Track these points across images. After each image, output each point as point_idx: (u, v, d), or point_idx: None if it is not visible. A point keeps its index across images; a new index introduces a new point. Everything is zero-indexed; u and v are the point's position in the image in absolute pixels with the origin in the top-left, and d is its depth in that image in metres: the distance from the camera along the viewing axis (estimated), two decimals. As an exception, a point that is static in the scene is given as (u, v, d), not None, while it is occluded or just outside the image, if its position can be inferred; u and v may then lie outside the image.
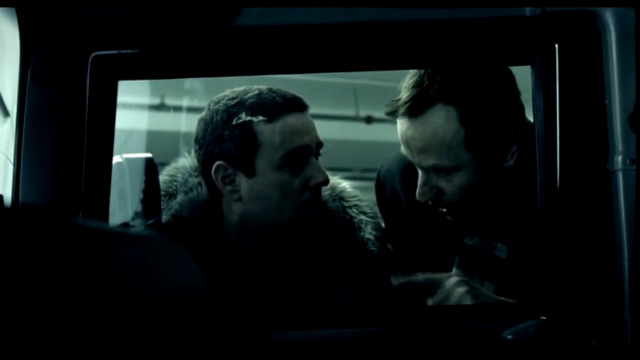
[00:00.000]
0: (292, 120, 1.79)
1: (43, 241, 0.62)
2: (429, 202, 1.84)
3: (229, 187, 1.82)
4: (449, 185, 1.79)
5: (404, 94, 1.78)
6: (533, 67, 1.52)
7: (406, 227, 1.93)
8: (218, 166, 1.81)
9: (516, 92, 1.81)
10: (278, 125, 1.78)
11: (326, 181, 1.82)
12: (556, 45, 1.49)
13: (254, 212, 1.82)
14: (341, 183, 1.98)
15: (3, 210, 0.64)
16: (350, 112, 4.57)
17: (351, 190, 1.97)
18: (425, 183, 1.81)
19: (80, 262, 0.65)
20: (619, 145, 1.43)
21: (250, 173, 1.80)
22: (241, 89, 1.83)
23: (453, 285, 1.71)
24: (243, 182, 1.81)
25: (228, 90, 1.84)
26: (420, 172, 1.81)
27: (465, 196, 1.79)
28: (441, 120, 1.76)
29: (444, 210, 1.84)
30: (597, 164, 1.46)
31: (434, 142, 1.76)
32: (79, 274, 0.64)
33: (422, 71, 1.77)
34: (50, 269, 0.62)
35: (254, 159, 1.79)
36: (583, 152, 1.48)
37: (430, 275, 1.75)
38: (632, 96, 1.43)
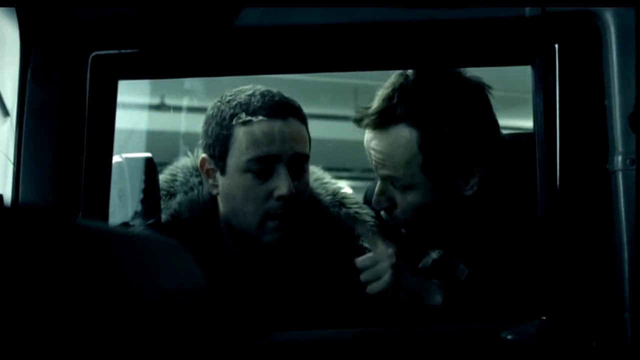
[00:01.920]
0: (265, 126, 1.77)
1: (43, 241, 0.62)
2: (382, 213, 1.85)
3: (211, 181, 1.85)
4: (403, 200, 1.81)
5: (374, 105, 1.79)
6: (533, 67, 1.52)
7: (397, 243, 1.93)
8: (203, 159, 1.85)
9: (494, 125, 1.81)
10: (250, 129, 1.78)
11: (289, 195, 1.77)
12: (556, 46, 1.49)
13: (227, 210, 1.84)
14: (343, 189, 1.96)
15: (3, 210, 0.64)
16: (350, 112, 4.57)
17: (353, 197, 1.96)
18: (381, 193, 1.82)
19: (80, 262, 0.65)
20: (619, 146, 1.43)
21: (223, 171, 1.82)
22: (247, 86, 1.84)
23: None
24: (219, 179, 1.83)
25: (235, 88, 1.85)
26: (378, 182, 1.83)
27: (417, 214, 1.81)
28: (402, 140, 1.76)
29: (395, 222, 1.85)
30: (597, 164, 1.46)
31: (392, 158, 1.78)
32: (79, 274, 0.64)
33: (395, 86, 1.77)
34: (50, 269, 0.62)
35: (226, 158, 1.80)
36: (583, 152, 1.48)
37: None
38: (632, 96, 1.43)
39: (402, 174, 1.78)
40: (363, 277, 1.77)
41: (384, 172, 1.80)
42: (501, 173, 1.78)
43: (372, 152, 1.81)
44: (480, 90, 1.79)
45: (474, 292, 1.79)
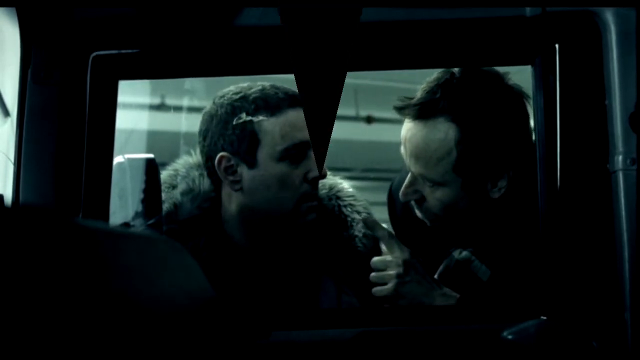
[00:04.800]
0: (293, 115, 1.84)
1: (43, 241, 0.62)
2: (411, 204, 1.88)
3: (230, 177, 1.87)
4: (431, 196, 1.82)
5: (417, 96, 1.81)
6: (533, 67, 1.52)
7: (421, 239, 1.94)
8: (221, 157, 1.86)
9: (527, 134, 1.81)
10: (280, 120, 1.84)
11: (324, 175, 1.87)
12: (556, 45, 1.49)
13: (253, 202, 1.87)
14: (340, 183, 2.01)
15: (3, 210, 0.64)
16: (350, 112, 4.57)
17: (348, 190, 2.00)
18: (410, 184, 1.85)
19: (80, 262, 0.65)
20: (620, 145, 1.43)
21: (252, 164, 1.85)
22: (245, 84, 1.88)
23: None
24: (245, 173, 1.86)
25: (232, 86, 1.88)
26: (409, 173, 1.85)
27: (444, 211, 1.83)
28: (439, 134, 1.78)
29: (422, 214, 1.87)
30: (598, 164, 1.46)
31: (426, 152, 1.80)
32: (79, 274, 0.65)
33: (440, 81, 1.79)
34: (50, 268, 0.62)
35: (255, 152, 1.85)
36: (583, 152, 1.48)
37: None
38: (632, 96, 1.43)
39: (432, 170, 1.80)
40: (372, 277, 1.81)
41: (416, 168, 1.82)
42: (529, 178, 1.78)
43: (407, 144, 1.83)
44: (520, 98, 1.81)
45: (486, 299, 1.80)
